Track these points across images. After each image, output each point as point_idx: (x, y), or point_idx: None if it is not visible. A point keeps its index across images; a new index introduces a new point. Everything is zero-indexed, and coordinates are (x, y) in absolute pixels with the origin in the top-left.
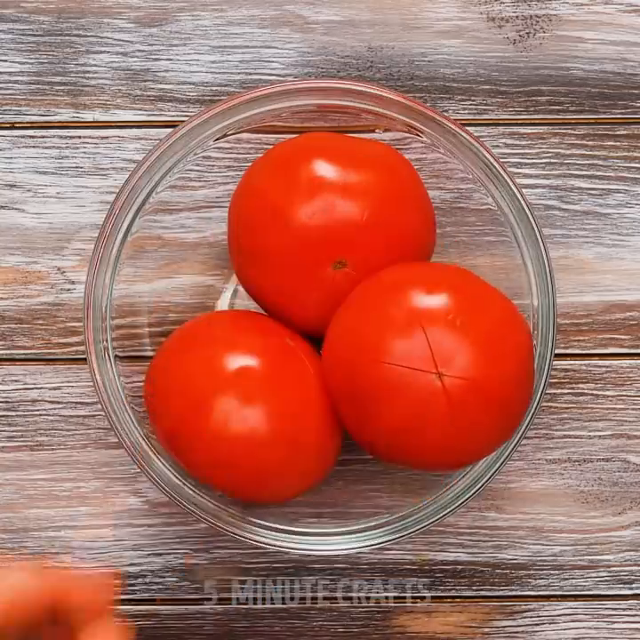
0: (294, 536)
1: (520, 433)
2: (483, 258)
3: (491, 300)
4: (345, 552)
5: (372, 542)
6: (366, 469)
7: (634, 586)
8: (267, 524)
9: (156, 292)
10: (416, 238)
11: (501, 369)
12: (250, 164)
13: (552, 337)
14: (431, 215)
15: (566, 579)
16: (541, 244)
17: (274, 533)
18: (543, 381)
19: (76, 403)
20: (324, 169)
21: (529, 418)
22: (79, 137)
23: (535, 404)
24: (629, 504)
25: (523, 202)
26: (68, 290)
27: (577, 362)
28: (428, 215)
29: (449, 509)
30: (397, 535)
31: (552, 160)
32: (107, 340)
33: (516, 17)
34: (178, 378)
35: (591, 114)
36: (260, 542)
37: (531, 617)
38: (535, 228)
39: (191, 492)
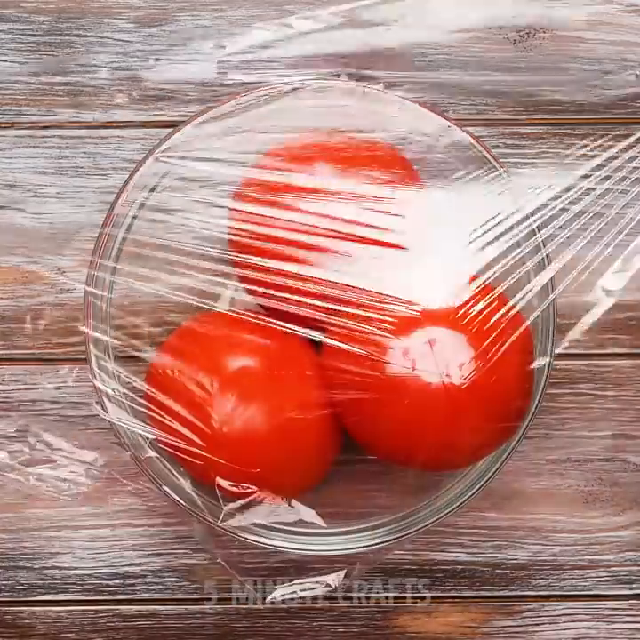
0: (294, 536)
1: (520, 433)
2: None
3: (491, 301)
4: (345, 552)
5: (372, 542)
6: (366, 469)
7: (634, 586)
8: (267, 524)
9: (156, 292)
10: None
11: (502, 370)
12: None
13: (552, 337)
14: None
15: (566, 579)
16: (541, 244)
17: (274, 533)
18: (543, 381)
19: (76, 403)
20: (324, 169)
21: (529, 418)
22: (79, 137)
23: (535, 403)
24: (629, 504)
25: None
26: (68, 290)
27: (577, 362)
28: None
29: (449, 509)
30: (397, 535)
31: (552, 160)
32: (106, 341)
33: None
34: (178, 378)
35: (591, 114)
36: (260, 542)
37: (531, 617)
38: (535, 228)
39: (191, 492)
